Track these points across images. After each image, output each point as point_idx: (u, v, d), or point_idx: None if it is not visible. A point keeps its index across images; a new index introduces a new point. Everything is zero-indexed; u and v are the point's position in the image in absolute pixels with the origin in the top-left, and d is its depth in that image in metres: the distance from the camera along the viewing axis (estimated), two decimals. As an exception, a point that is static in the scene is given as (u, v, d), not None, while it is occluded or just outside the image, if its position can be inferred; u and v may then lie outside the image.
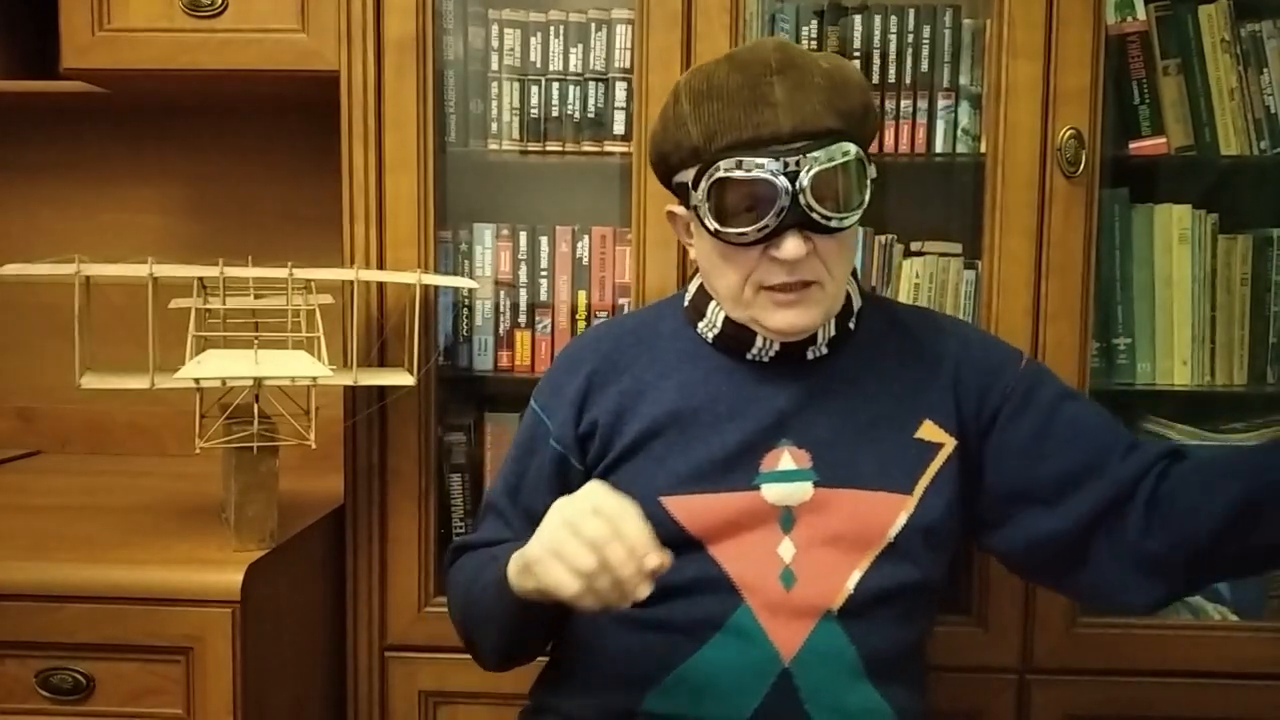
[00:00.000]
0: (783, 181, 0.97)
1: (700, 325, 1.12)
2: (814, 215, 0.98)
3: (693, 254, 1.12)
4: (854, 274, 1.15)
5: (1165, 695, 1.45)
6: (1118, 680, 1.45)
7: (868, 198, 1.02)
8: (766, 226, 0.98)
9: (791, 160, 0.97)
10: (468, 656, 1.46)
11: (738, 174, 0.98)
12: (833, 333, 1.09)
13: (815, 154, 0.97)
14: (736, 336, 1.09)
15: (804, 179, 0.97)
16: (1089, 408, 1.13)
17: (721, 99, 0.99)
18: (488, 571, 1.07)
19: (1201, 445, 1.50)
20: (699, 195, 1.01)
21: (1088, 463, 1.06)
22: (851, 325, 1.11)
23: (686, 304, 1.15)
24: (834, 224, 0.99)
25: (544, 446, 1.15)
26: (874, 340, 1.13)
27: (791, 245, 0.99)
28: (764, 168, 0.97)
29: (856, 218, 1.01)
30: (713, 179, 0.99)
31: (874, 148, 1.46)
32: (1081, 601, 1.38)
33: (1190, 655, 1.45)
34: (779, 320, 1.04)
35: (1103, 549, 1.06)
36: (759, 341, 1.08)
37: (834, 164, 0.98)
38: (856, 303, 1.12)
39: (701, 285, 1.13)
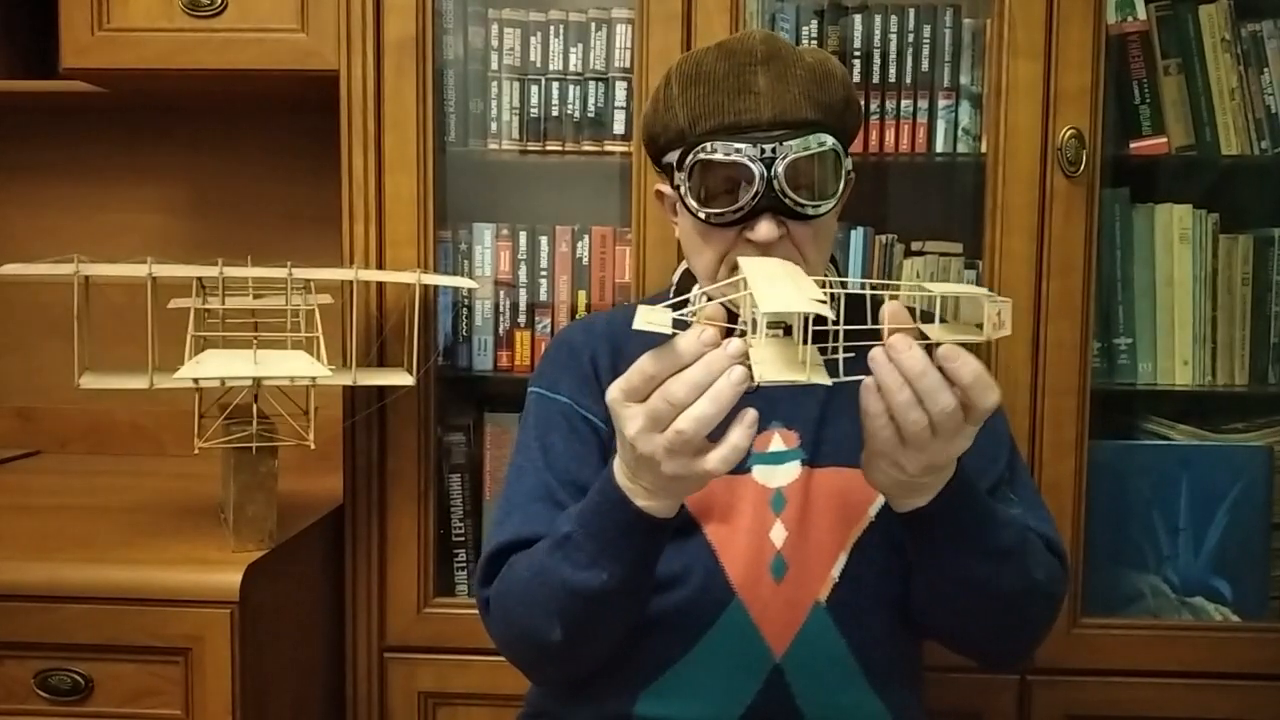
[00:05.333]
0: (758, 166, 1.01)
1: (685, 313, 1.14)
2: (786, 201, 1.02)
3: (677, 233, 1.15)
4: (834, 263, 1.17)
5: (1165, 695, 1.45)
6: (1118, 680, 1.45)
7: (842, 188, 1.06)
8: (741, 208, 1.02)
9: (768, 147, 1.01)
10: (467, 657, 1.47)
11: (717, 156, 1.02)
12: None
13: (792, 142, 1.01)
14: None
15: (779, 165, 1.00)
16: (1022, 504, 1.11)
17: (708, 84, 1.03)
18: (568, 547, 0.95)
19: (1199, 446, 1.50)
20: (682, 176, 1.05)
21: None
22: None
23: (672, 295, 1.17)
24: (807, 211, 1.03)
25: (561, 415, 1.12)
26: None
27: (765, 228, 1.02)
28: (741, 152, 1.01)
29: (829, 206, 1.04)
30: (695, 160, 1.04)
31: (875, 147, 1.47)
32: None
33: (1190, 655, 1.45)
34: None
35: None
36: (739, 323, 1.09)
37: (809, 153, 1.02)
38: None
39: (685, 273, 1.16)
